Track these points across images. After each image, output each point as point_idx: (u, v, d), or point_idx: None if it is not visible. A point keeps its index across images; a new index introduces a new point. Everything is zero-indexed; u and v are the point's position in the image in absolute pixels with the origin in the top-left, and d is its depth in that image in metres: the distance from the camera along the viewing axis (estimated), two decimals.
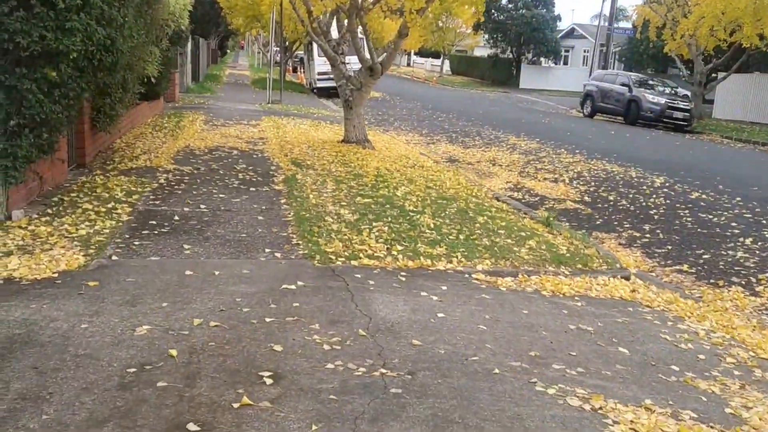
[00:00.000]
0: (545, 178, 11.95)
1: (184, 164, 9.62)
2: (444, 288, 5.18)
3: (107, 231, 5.92)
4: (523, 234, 7.06)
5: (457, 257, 5.96)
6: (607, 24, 44.20)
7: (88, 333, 3.84)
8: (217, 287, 4.73)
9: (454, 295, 5.05)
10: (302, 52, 40.23)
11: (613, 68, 48.40)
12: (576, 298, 5.40)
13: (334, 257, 5.60)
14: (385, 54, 11.18)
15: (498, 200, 9.30)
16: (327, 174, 9.44)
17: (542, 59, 55.68)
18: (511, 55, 54.91)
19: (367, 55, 11.38)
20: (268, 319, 4.23)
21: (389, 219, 7.06)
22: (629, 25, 45.85)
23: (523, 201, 9.90)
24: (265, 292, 4.72)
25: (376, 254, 5.76)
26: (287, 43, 32.64)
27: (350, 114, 11.86)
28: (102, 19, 6.43)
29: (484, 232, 6.96)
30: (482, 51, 64.09)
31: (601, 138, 19.53)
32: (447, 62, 64.86)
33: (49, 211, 6.45)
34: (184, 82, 24.51)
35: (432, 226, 6.93)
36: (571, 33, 58.46)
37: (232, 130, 14.11)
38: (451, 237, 6.59)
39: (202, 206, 7.16)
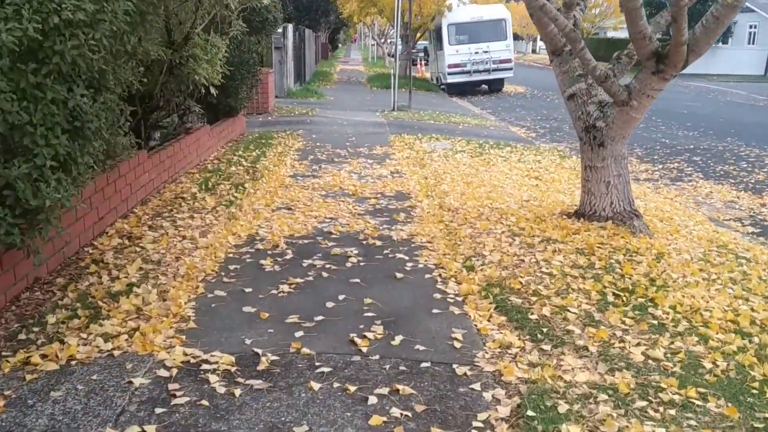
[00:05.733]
0: None
1: (222, 329, 3.57)
2: None
3: None
4: None
5: None
6: None
7: None
8: None
9: None
10: (426, 41, 33.98)
11: None
12: None
13: None
14: (701, 25, 4.60)
15: None
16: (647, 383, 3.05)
17: None
18: (663, 35, 46.33)
19: (649, 29, 4.83)
20: None
21: None
22: None
23: None
24: None
25: None
26: (408, 30, 26.51)
27: (598, 157, 5.37)
28: None
29: None
30: (625, 33, 55.55)
31: None
32: None
33: None
34: (284, 84, 18.86)
35: None
36: None
37: (345, 174, 7.98)
38: None
39: None
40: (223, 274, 4.47)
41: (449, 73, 24.49)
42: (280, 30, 17.89)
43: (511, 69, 24.96)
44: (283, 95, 18.38)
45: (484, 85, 25.77)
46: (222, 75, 8.17)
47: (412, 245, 5.21)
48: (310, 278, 4.42)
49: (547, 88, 27.75)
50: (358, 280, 4.39)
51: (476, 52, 23.98)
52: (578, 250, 4.89)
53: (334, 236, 5.41)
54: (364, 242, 5.26)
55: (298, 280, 4.36)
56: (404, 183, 7.54)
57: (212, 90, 8.10)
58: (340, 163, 8.80)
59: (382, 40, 41.28)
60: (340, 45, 63.83)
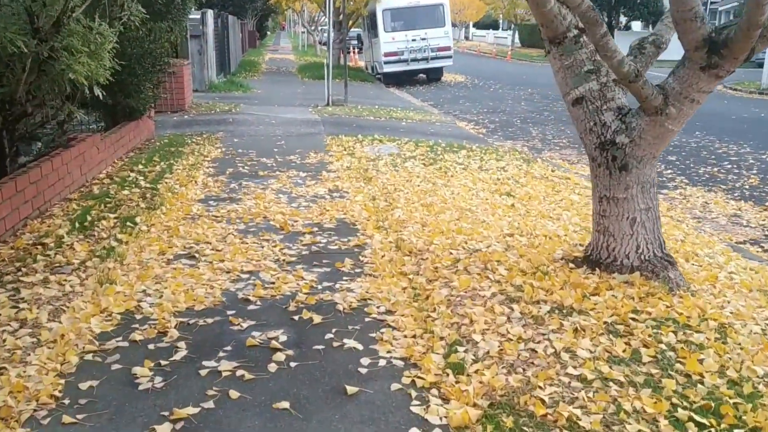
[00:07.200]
0: None
1: None
2: None
3: None
4: None
5: None
6: None
7: None
8: None
9: None
10: (359, 28, 32.15)
11: None
12: None
13: None
14: None
15: None
16: None
17: (633, 24, 47.70)
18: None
19: (701, 7, 3.37)
20: None
21: None
22: None
23: None
24: None
25: None
26: (341, 16, 24.64)
27: (619, 185, 3.90)
28: None
29: None
30: None
31: None
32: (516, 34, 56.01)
33: None
34: (204, 76, 16.87)
35: None
36: None
37: (271, 195, 6.30)
38: None
39: None
40: (66, 402, 2.76)
41: (385, 62, 22.92)
42: (197, 16, 15.93)
43: (450, 57, 23.61)
44: (203, 89, 16.42)
45: (422, 75, 24.35)
46: (115, 70, 6.33)
47: (366, 320, 3.61)
48: (210, 404, 2.76)
49: (488, 77, 26.54)
50: (287, 405, 2.76)
51: (413, 40, 22.52)
52: (608, 326, 3.39)
53: (252, 307, 3.75)
54: (297, 317, 3.62)
55: (190, 410, 2.69)
56: (347, 207, 5.91)
57: (97, 91, 6.25)
58: (266, 177, 7.11)
59: (313, 28, 39.29)
60: (268, 33, 61.28)
